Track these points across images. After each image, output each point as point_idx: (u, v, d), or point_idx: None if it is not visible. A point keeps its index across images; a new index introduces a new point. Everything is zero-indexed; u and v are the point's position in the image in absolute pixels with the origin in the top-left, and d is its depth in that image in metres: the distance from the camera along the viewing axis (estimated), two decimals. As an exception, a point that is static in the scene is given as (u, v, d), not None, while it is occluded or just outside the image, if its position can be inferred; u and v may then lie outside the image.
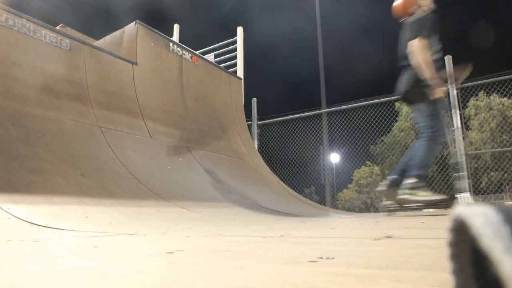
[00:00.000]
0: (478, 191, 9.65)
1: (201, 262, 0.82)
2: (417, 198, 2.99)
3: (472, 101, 16.23)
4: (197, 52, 6.17)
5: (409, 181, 3.04)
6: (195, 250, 1.04)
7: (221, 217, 3.06)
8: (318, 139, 7.80)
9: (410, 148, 3.30)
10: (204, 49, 7.46)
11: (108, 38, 5.17)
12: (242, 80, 7.05)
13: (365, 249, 0.98)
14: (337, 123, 7.39)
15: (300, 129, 7.78)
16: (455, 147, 5.39)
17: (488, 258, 0.26)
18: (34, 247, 1.20)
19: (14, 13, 3.46)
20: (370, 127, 7.30)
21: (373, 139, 7.66)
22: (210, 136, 5.49)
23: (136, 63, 4.66)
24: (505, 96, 6.26)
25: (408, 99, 3.32)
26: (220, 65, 6.85)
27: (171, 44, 5.38)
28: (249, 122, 7.43)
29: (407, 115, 15.55)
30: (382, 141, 12.70)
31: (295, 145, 7.85)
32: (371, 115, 7.17)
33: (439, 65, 3.21)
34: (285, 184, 6.43)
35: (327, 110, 7.74)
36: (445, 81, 3.23)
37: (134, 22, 4.83)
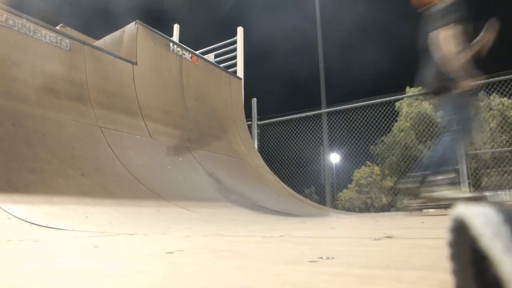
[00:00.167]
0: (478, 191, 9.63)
1: (201, 262, 0.82)
2: (445, 196, 2.74)
3: (472, 101, 16.21)
4: (197, 52, 6.17)
5: (437, 177, 2.77)
6: (195, 250, 1.04)
7: (221, 217, 3.06)
8: (318, 139, 7.80)
9: (436, 142, 3.05)
10: (204, 49, 7.45)
11: (108, 38, 5.17)
12: (242, 80, 7.05)
13: (365, 249, 0.98)
14: (337, 123, 7.39)
15: (300, 129, 7.79)
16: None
17: (488, 258, 0.26)
18: (34, 247, 1.20)
19: (14, 13, 3.46)
20: (370, 127, 7.31)
21: (373, 139, 7.67)
22: (210, 136, 5.49)
23: (136, 63, 4.66)
24: (505, 96, 6.25)
25: (435, 91, 3.08)
26: (220, 65, 6.85)
27: (171, 44, 5.38)
28: (249, 122, 7.43)
29: (407, 115, 15.54)
30: (382, 141, 12.69)
31: (295, 145, 7.85)
32: (371, 115, 7.17)
33: (465, 56, 2.95)
34: (285, 184, 6.43)
35: (327, 110, 7.74)
36: (472, 74, 3.00)
37: (134, 22, 4.83)
